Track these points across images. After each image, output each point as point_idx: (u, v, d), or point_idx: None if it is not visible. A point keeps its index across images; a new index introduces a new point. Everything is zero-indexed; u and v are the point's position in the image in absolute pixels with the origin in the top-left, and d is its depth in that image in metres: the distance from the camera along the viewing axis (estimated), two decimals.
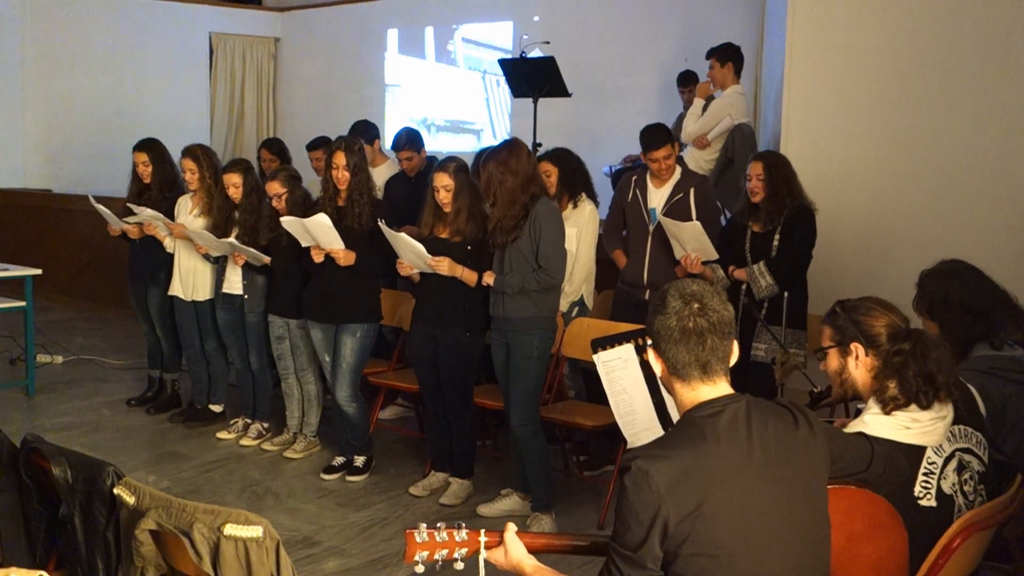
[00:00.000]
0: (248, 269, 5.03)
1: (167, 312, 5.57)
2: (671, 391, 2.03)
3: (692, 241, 4.41)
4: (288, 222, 4.52)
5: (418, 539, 2.06)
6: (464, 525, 2.11)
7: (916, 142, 5.09)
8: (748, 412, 1.93)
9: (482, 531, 2.11)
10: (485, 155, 4.16)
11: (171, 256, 5.44)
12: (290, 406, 5.13)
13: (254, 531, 1.95)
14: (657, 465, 1.84)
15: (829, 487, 2.12)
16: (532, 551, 2.13)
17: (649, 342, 2.02)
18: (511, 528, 2.13)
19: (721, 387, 1.97)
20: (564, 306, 4.81)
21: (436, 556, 2.06)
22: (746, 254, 4.38)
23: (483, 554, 2.09)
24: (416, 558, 2.06)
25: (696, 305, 1.95)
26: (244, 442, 5.18)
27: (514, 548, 2.10)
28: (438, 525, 2.09)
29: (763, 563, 1.86)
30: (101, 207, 5.54)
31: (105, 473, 2.19)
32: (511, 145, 4.09)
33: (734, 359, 2.01)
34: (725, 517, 1.83)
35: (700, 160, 6.17)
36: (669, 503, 1.81)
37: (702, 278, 4.43)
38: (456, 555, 2.08)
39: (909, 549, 2.24)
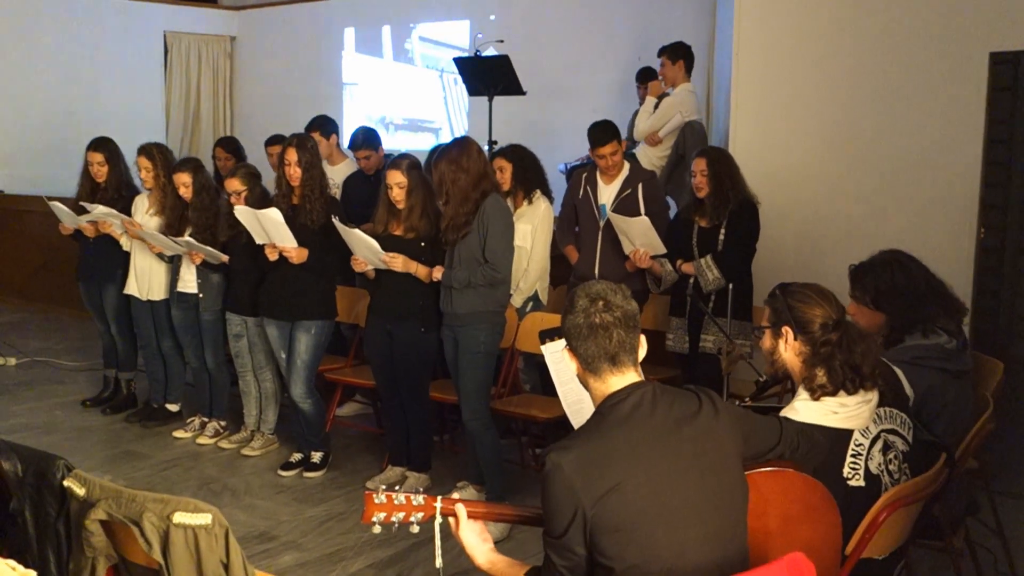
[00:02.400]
0: (204, 267, 5.03)
1: (123, 311, 5.55)
2: (587, 388, 2.14)
3: (640, 236, 4.50)
4: (241, 212, 4.54)
5: (376, 500, 2.13)
6: (422, 490, 2.20)
7: (858, 138, 5.25)
8: (654, 395, 2.05)
9: (438, 497, 2.19)
10: (436, 153, 4.21)
11: (127, 254, 5.42)
12: (247, 404, 5.14)
13: (203, 519, 1.99)
14: (566, 456, 1.96)
15: (767, 470, 2.22)
16: (480, 519, 2.22)
17: (563, 342, 2.13)
18: (462, 511, 2.19)
19: (629, 377, 2.08)
20: (519, 302, 4.88)
21: (393, 518, 2.14)
22: (693, 248, 4.49)
23: (439, 519, 2.17)
24: (373, 519, 2.13)
25: (601, 303, 2.08)
26: (201, 440, 5.19)
27: (467, 536, 2.18)
28: (396, 488, 2.17)
29: (677, 532, 1.95)
30: (58, 204, 5.50)
31: (55, 466, 2.22)
32: (462, 143, 4.15)
33: (643, 352, 2.12)
34: (635, 493, 1.93)
35: (652, 157, 6.28)
36: (581, 490, 1.92)
37: (650, 272, 4.55)
38: (412, 519, 2.16)
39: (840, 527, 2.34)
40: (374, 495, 2.13)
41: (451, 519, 2.20)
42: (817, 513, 2.25)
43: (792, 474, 2.26)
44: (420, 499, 2.17)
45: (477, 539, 2.19)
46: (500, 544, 2.23)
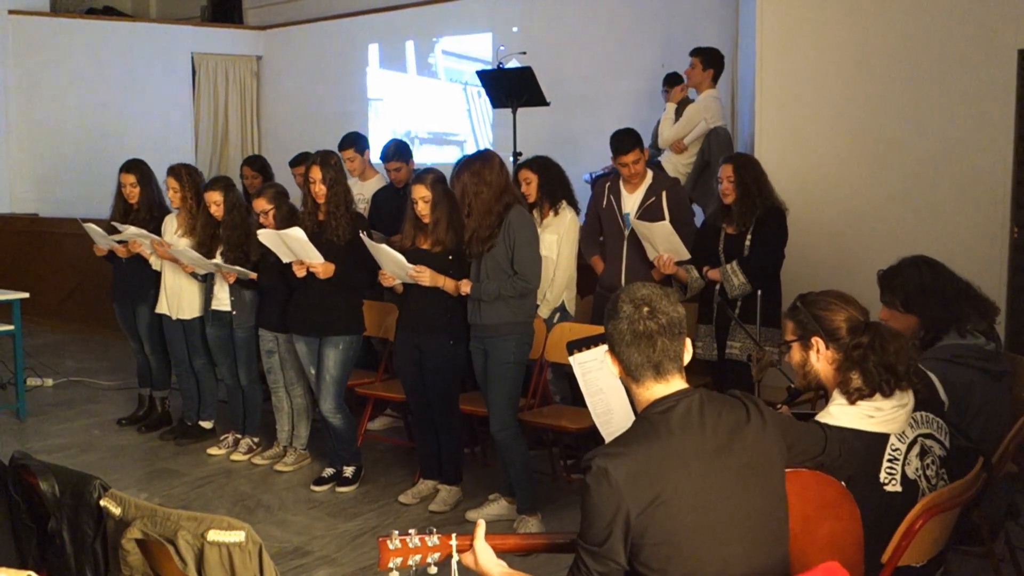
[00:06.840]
0: (237, 285, 5.09)
1: (156, 330, 5.62)
2: (629, 391, 2.10)
3: (663, 241, 4.49)
4: (265, 235, 4.59)
5: (391, 546, 2.08)
6: (435, 530, 2.15)
7: (885, 140, 5.19)
8: (701, 405, 2.01)
9: (453, 535, 2.15)
10: (458, 166, 4.23)
11: (159, 274, 5.50)
12: (280, 420, 5.18)
13: (236, 536, 2.01)
14: (615, 462, 1.92)
15: None
16: (503, 552, 2.17)
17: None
18: (480, 533, 2.16)
19: (675, 384, 2.04)
20: (545, 313, 4.88)
21: (409, 562, 2.10)
22: (719, 254, 4.46)
23: (455, 557, 2.13)
24: (390, 565, 2.09)
25: (646, 309, 2.03)
26: (235, 457, 5.23)
27: (483, 555, 2.14)
28: (410, 531, 2.12)
29: (723, 547, 1.93)
30: (91, 226, 5.58)
31: (91, 486, 2.24)
32: (483, 156, 4.17)
33: (688, 356, 2.08)
34: (683, 506, 1.91)
35: (677, 164, 6.26)
36: (628, 497, 1.89)
37: (676, 278, 4.53)
38: (429, 560, 2.12)
39: (877, 533, 2.31)
40: (388, 541, 2.09)
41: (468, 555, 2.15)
42: (834, 509, 2.22)
43: (805, 473, 2.22)
44: (435, 539, 2.12)
45: (491, 558, 2.13)
46: (527, 558, 2.19)
